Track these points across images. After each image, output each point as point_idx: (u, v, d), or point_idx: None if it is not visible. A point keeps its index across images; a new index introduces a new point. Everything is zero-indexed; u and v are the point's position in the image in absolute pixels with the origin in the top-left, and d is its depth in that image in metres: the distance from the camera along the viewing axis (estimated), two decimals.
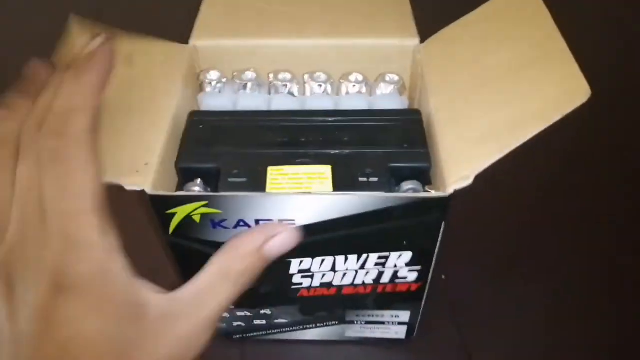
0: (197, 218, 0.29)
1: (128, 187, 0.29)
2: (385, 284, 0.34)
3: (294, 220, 0.29)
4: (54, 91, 0.23)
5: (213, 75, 0.35)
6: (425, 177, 0.31)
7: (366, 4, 0.39)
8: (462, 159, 0.29)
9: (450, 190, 0.28)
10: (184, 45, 0.36)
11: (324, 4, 0.39)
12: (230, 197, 0.28)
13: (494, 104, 0.30)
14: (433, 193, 0.29)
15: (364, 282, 0.34)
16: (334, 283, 0.34)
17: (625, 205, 0.50)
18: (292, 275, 0.33)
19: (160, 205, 0.29)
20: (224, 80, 0.35)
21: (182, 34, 0.37)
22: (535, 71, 0.30)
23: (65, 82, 0.23)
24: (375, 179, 0.30)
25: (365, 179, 0.30)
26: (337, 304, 0.36)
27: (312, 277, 0.33)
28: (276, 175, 0.30)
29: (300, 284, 0.34)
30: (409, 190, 0.30)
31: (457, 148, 0.29)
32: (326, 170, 0.30)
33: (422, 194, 0.29)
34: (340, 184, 0.30)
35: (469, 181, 0.28)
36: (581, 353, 0.41)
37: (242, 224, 0.30)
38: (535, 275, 0.45)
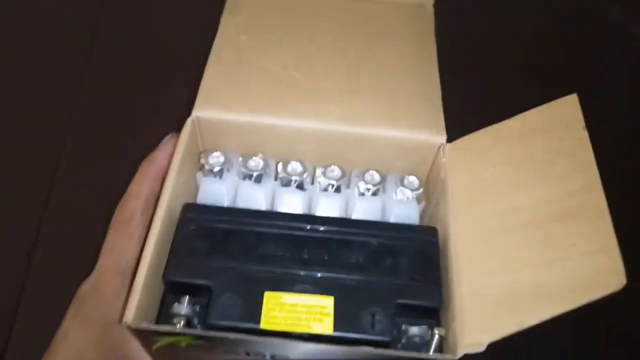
0: (182, 345, 0.27)
1: None
2: None
3: (287, 355, 0.27)
4: None
5: (215, 159, 0.32)
6: (434, 314, 0.29)
7: (390, 80, 0.35)
8: (478, 319, 0.26)
9: (459, 354, 0.26)
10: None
11: (343, 72, 0.36)
12: (220, 336, 0.26)
13: (519, 259, 0.27)
14: (440, 356, 0.26)
15: None
16: None
17: None
18: None
19: (143, 332, 0.26)
20: (227, 165, 0.32)
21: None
22: (568, 230, 0.27)
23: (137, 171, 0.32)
24: (380, 319, 0.27)
25: (369, 318, 0.27)
26: None
27: None
28: (273, 305, 0.27)
29: None
30: (415, 337, 0.28)
31: (474, 303, 0.27)
32: (328, 303, 0.28)
33: (429, 356, 0.26)
34: (342, 322, 0.27)
35: (481, 349, 0.26)
36: None
37: (230, 351, 0.27)
38: None
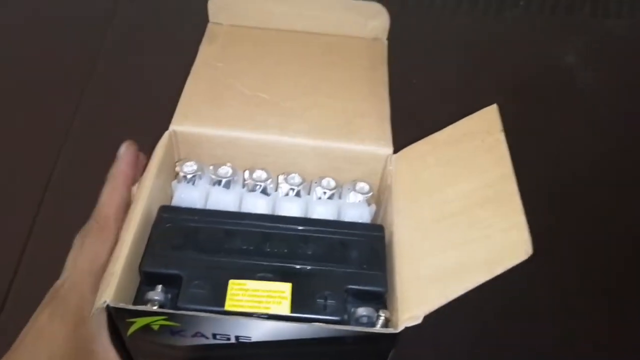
0: (155, 327, 0.30)
1: None
2: None
3: (250, 337, 0.31)
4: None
5: (189, 167, 0.36)
6: (380, 299, 0.33)
7: (346, 101, 0.40)
8: (414, 296, 0.30)
9: (400, 327, 0.29)
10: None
11: (304, 93, 0.40)
12: (188, 314, 0.29)
13: (448, 243, 0.31)
14: (383, 330, 0.30)
15: None
16: None
17: None
18: None
19: (120, 313, 0.30)
20: (199, 173, 0.36)
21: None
22: (486, 213, 0.31)
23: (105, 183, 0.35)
24: (332, 302, 0.31)
25: (322, 301, 0.31)
26: None
27: None
28: (237, 290, 0.31)
29: None
30: (362, 317, 0.31)
31: (412, 283, 0.31)
32: (286, 288, 0.31)
33: (373, 330, 0.30)
34: (298, 304, 0.31)
35: (418, 321, 0.29)
36: None
37: (199, 334, 0.31)
38: None
